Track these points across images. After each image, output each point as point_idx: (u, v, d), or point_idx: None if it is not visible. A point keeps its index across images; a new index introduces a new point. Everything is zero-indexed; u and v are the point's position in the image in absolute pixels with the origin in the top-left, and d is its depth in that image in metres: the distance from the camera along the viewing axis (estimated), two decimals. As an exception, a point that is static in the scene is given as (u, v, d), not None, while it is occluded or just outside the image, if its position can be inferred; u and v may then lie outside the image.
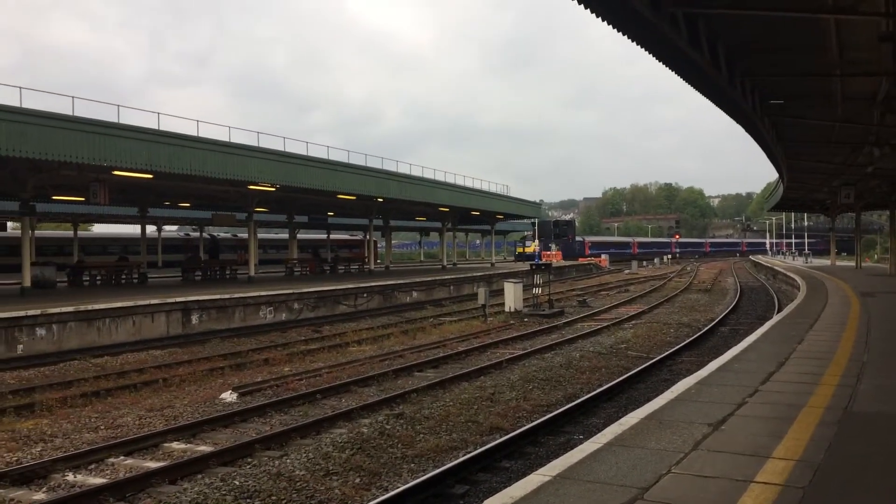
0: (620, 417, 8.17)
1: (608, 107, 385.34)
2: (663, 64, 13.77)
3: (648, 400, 9.37)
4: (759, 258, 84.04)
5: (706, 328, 21.96)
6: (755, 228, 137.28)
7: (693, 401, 8.40)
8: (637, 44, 12.84)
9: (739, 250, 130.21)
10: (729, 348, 13.07)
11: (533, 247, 70.00)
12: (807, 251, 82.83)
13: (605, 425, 8.84)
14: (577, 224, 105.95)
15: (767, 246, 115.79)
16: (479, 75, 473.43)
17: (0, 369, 15.83)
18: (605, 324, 23.34)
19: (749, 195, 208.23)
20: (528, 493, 5.27)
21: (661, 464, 5.97)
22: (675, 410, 7.94)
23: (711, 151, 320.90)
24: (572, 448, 7.03)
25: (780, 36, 13.35)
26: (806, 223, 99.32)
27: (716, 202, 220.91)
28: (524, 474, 7.34)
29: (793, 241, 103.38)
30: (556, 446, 9.56)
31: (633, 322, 24.41)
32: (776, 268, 51.02)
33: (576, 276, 57.03)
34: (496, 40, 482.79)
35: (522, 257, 70.28)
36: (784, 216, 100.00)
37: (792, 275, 37.99)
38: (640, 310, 28.09)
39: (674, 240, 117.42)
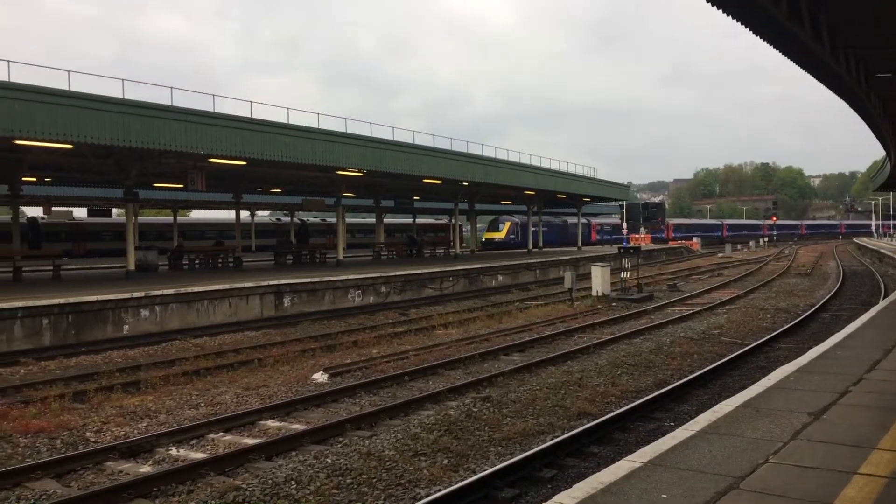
0: (714, 405, 7.97)
1: (704, 84, 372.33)
2: (760, 38, 13.22)
3: (744, 387, 9.10)
4: (864, 241, 79.68)
5: (806, 314, 21.06)
6: (860, 209, 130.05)
7: (792, 389, 8.10)
8: (731, 17, 12.37)
9: (798, 234, 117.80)
10: (831, 335, 12.53)
11: (504, 231, 58.01)
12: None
13: (698, 412, 8.65)
14: (666, 206, 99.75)
15: (872, 227, 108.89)
16: (569, 55, 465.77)
17: (108, 348, 16.77)
18: (697, 309, 22.70)
19: (853, 175, 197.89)
20: (619, 478, 5.21)
21: (757, 453, 5.79)
22: (772, 398, 7.68)
23: (812, 128, 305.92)
24: (663, 435, 6.91)
25: (888, 5, 12.57)
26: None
27: (816, 182, 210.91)
28: (613, 460, 7.27)
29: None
30: (645, 433, 9.39)
31: (726, 307, 23.65)
32: (882, 251, 48.39)
33: (666, 260, 55.69)
34: (586, 18, 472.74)
35: (490, 245, 56.60)
36: (892, 196, 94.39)
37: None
38: (735, 294, 27.19)
39: (726, 222, 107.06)
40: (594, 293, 26.55)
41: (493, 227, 58.01)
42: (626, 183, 63.66)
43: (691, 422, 6.95)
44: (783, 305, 23.94)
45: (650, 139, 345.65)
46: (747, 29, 12.96)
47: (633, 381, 12.60)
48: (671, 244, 69.71)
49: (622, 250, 28.87)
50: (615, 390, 11.82)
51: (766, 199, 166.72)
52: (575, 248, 53.72)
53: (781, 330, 17.90)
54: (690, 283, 34.12)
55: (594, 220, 72.48)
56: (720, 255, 63.03)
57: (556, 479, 7.79)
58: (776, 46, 13.98)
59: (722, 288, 30.73)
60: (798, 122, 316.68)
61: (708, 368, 13.11)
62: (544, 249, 51.24)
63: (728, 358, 14.10)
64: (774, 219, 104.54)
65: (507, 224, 58.59)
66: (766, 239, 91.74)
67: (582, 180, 45.87)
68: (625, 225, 54.70)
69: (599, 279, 26.79)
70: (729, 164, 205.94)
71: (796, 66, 15.75)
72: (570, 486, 5.26)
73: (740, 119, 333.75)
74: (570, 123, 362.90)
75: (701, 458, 5.71)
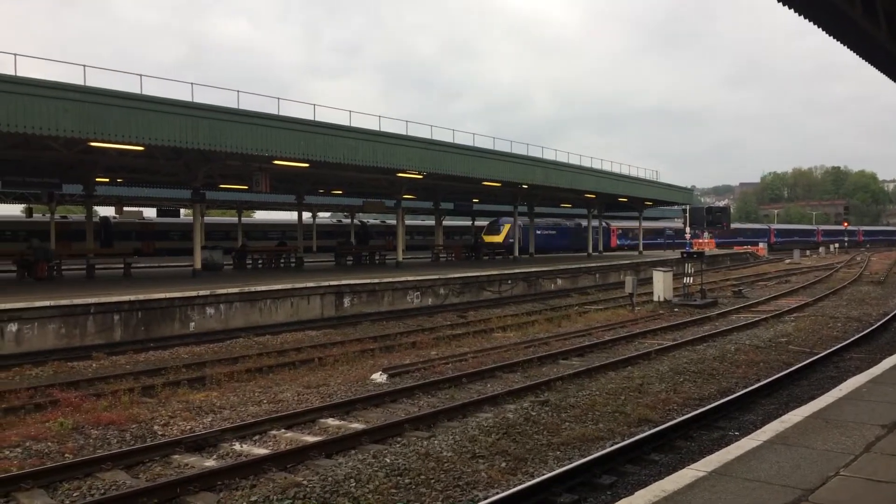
0: (781, 415, 7.76)
1: (773, 84, 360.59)
2: (834, 38, 12.79)
3: (813, 398, 8.83)
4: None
5: (879, 323, 20.26)
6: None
7: (864, 400, 7.81)
8: (802, 16, 12.02)
9: (855, 241, 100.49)
10: (906, 345, 12.03)
11: (503, 234, 49.39)
12: None
13: (764, 422, 8.43)
14: (732, 211, 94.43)
15: None
16: (632, 56, 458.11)
17: (175, 344, 17.27)
18: (763, 316, 22.10)
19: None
20: (682, 487, 5.11)
21: (827, 465, 5.60)
22: (843, 409, 7.42)
23: (887, 131, 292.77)
24: (728, 444, 6.75)
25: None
26: None
27: (891, 187, 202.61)
28: (675, 469, 7.14)
29: None
30: (709, 442, 9.18)
31: (794, 315, 22.95)
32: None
33: (730, 266, 54.39)
34: (650, 18, 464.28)
35: (490, 248, 46.52)
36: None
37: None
38: (803, 302, 26.36)
39: (773, 227, 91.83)
40: (656, 298, 26.12)
41: (492, 229, 50.22)
42: (689, 186, 61.82)
43: (758, 431, 6.77)
44: (854, 314, 23.11)
45: (715, 142, 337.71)
46: (819, 28, 12.57)
47: (695, 388, 12.34)
48: (736, 249, 67.80)
49: (685, 255, 28.26)
50: (677, 397, 11.60)
51: (836, 203, 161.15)
52: (585, 255, 49.58)
53: (853, 339, 17.28)
54: (756, 289, 33.23)
55: (615, 224, 63.05)
56: (787, 261, 61.25)
57: (615, 485, 7.68)
58: (850, 46, 13.52)
59: (789, 295, 29.85)
60: (872, 124, 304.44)
61: (775, 377, 12.74)
62: (553, 256, 49.85)
63: (796, 367, 13.68)
64: (846, 224, 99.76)
65: (507, 226, 50.85)
66: (836, 245, 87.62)
67: (643, 183, 45.15)
68: (687, 229, 53.24)
69: (661, 284, 26.35)
70: (798, 168, 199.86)
71: (871, 66, 15.21)
72: (632, 494, 5.19)
73: (810, 121, 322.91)
74: (632, 126, 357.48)
75: (768, 468, 5.55)
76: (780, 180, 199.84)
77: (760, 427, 7.26)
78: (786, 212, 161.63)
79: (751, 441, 6.33)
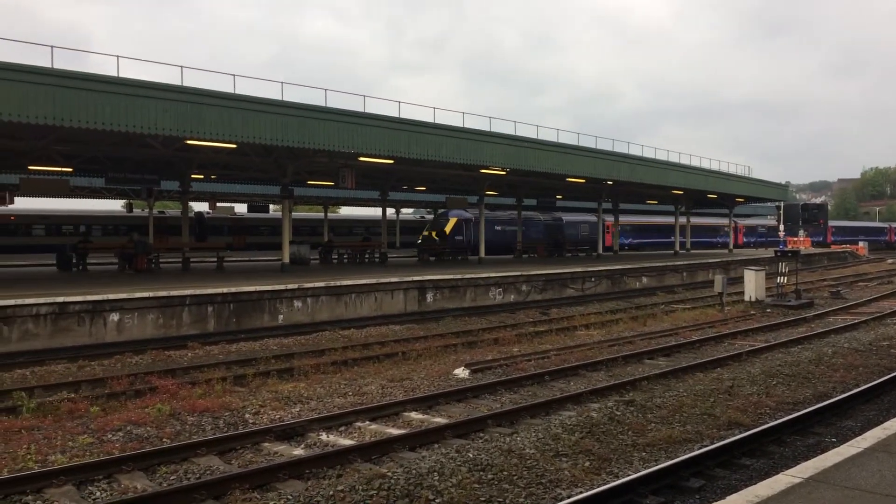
0: (882, 421, 7.37)
1: (877, 74, 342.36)
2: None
3: (918, 405, 8.35)
4: None
5: None
6: None
7: (977, 409, 7.34)
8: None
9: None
10: None
11: (447, 229, 43.49)
12: None
13: (864, 429, 8.05)
14: (829, 208, 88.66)
15: None
16: (725, 46, 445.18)
17: (265, 336, 17.79)
18: (864, 318, 21.03)
19: None
20: (776, 493, 4.93)
21: (936, 477, 5.29)
22: (953, 418, 6.99)
23: None
24: (824, 451, 6.47)
25: None
26: None
27: None
28: (767, 474, 6.90)
29: None
30: (804, 448, 8.82)
31: (897, 317, 21.76)
32: None
33: (827, 265, 52.03)
34: (745, 5, 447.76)
35: (428, 245, 41.21)
36: None
37: None
38: (906, 304, 24.98)
39: (832, 223, 77.89)
40: (747, 298, 25.27)
41: (436, 224, 44.89)
42: (783, 182, 59.23)
43: (858, 438, 6.46)
44: (965, 318, 21.72)
45: (813, 135, 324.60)
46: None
47: (789, 392, 11.87)
48: (834, 248, 64.72)
49: (779, 254, 27.20)
50: (769, 401, 11.19)
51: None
52: (567, 256, 42.76)
53: (963, 344, 16.26)
54: (856, 290, 31.68)
55: (608, 220, 51.15)
56: (890, 261, 58.16)
57: (704, 489, 7.48)
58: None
59: (892, 296, 28.31)
60: None
61: (876, 382, 12.11)
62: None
63: (899, 372, 12.98)
64: None
65: (452, 221, 44.38)
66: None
67: (735, 179, 43.70)
68: (781, 227, 50.83)
69: (753, 284, 25.47)
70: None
71: None
72: (723, 498, 5.04)
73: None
74: (724, 120, 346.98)
75: (869, 476, 5.30)
76: (882, 176, 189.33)
77: (860, 434, 6.94)
78: (888, 209, 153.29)
79: (850, 448, 6.05)
